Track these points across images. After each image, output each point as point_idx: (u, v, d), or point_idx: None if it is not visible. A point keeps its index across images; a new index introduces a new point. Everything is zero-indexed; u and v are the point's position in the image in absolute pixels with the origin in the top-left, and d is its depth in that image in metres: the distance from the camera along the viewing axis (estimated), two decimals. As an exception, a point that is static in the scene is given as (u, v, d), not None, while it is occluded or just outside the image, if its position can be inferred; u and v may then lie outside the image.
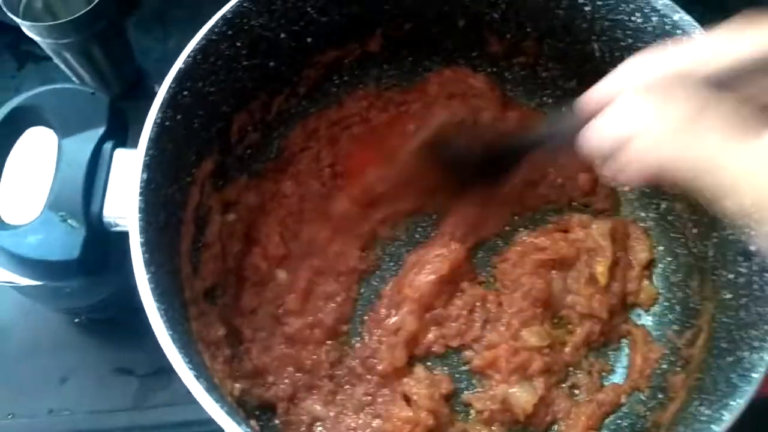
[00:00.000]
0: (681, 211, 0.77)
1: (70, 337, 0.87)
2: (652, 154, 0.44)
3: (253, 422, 0.66)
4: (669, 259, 0.79)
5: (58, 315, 0.87)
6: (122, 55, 0.97)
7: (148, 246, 0.57)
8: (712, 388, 0.61)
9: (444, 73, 0.85)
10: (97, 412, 0.82)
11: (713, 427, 0.55)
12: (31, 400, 0.83)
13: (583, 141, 0.49)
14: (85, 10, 0.82)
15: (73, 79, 0.96)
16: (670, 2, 0.66)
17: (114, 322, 0.86)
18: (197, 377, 0.52)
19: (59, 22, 0.82)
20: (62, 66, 0.93)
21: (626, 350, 0.77)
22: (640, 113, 0.45)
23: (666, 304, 0.78)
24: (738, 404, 0.55)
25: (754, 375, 0.56)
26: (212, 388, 0.54)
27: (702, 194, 0.41)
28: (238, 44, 0.69)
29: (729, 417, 0.55)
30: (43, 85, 0.67)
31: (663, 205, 0.80)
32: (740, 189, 0.39)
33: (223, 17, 0.66)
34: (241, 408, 0.66)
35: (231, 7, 0.66)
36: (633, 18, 0.68)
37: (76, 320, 0.88)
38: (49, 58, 0.92)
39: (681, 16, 0.66)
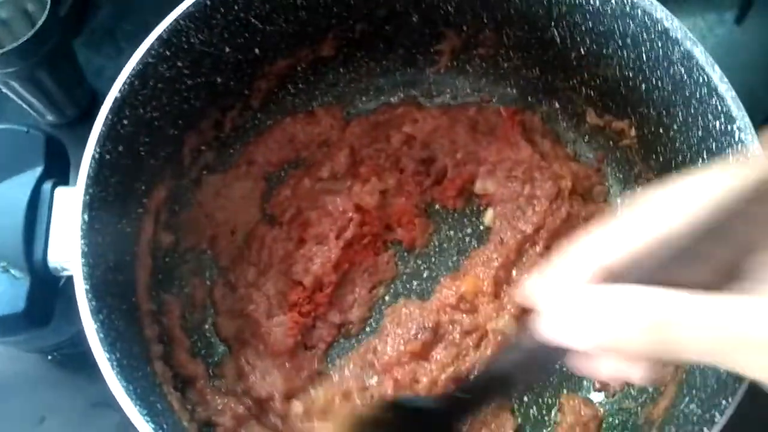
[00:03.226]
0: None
1: (44, 375, 0.84)
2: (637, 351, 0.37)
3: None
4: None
5: (29, 354, 0.84)
6: (72, 78, 0.93)
7: (96, 291, 0.54)
8: (702, 384, 0.59)
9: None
10: (78, 450, 0.80)
11: (705, 429, 0.53)
12: (10, 443, 0.81)
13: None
14: (27, 36, 0.79)
15: (24, 107, 0.92)
16: (629, -18, 0.63)
17: (89, 355, 0.83)
18: (156, 429, 0.49)
19: (2, 50, 0.79)
20: (11, 95, 0.90)
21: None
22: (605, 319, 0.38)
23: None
24: (729, 404, 0.53)
25: (743, 371, 0.53)
26: (175, 438, 0.51)
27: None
28: (179, 64, 0.66)
29: (720, 419, 0.52)
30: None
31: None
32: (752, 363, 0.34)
33: (159, 38, 0.62)
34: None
35: (167, 27, 0.62)
36: (591, 1, 0.65)
37: (50, 357, 0.85)
38: (-4, 88, 0.88)
39: (640, -4, 0.62)
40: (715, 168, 0.38)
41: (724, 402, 0.53)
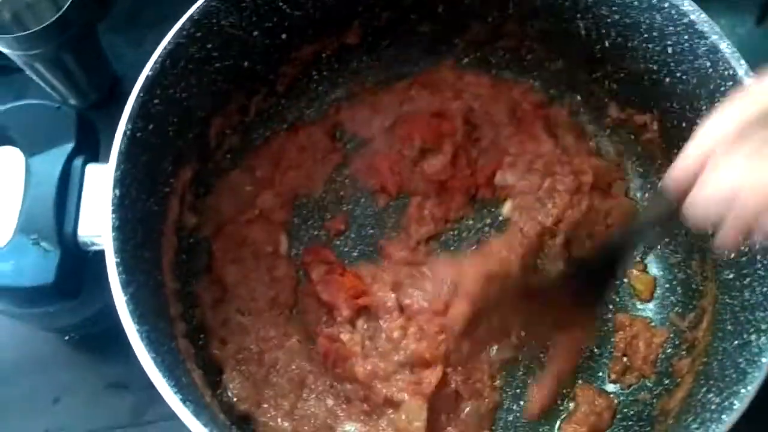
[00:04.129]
0: (677, 189, 0.75)
1: (60, 355, 0.85)
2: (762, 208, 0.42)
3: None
4: (666, 239, 0.77)
5: (47, 334, 0.85)
6: (95, 62, 0.94)
7: (126, 265, 0.54)
8: (720, 374, 0.60)
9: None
10: (92, 431, 0.80)
11: (723, 417, 0.53)
12: (24, 422, 0.82)
13: (689, 216, 0.48)
14: (53, 18, 0.80)
15: (47, 90, 0.93)
16: (657, -26, 0.64)
17: (105, 337, 0.84)
18: (183, 401, 0.50)
19: (27, 32, 0.79)
20: (35, 77, 0.90)
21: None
22: (737, 171, 0.43)
23: (667, 286, 0.76)
24: (748, 392, 0.53)
25: (763, 360, 0.54)
26: (200, 411, 0.52)
27: None
28: (209, 46, 0.66)
29: (739, 406, 0.53)
30: (14, 99, 0.65)
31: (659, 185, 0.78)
32: None
33: (191, 19, 0.63)
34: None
35: (198, 8, 0.63)
36: (618, -8, 0.66)
37: (66, 338, 0.85)
38: (21, 70, 0.89)
39: (669, -12, 0.63)
40: None
41: (743, 390, 0.54)
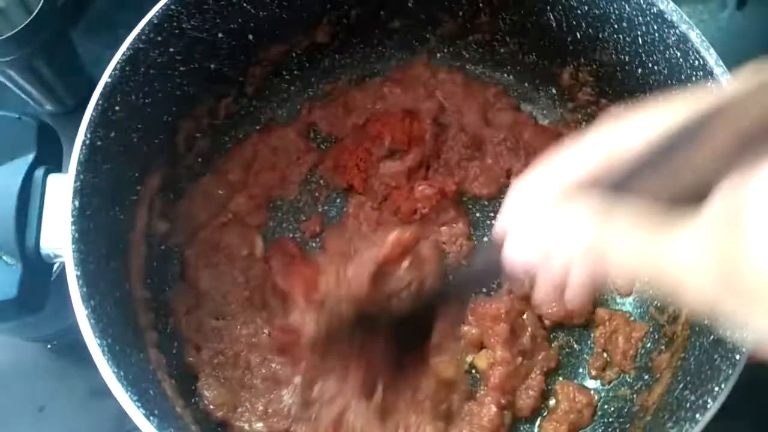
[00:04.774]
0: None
1: (44, 364, 0.85)
2: (582, 269, 0.40)
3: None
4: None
5: (30, 343, 0.85)
6: (70, 67, 0.93)
7: (87, 278, 0.54)
8: (696, 370, 0.59)
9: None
10: (77, 439, 0.80)
11: (697, 416, 0.52)
12: (9, 431, 0.81)
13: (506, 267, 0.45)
14: (25, 23, 0.79)
15: (23, 97, 0.92)
16: (623, -36, 0.62)
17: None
18: (147, 416, 0.50)
19: (-1, 39, 0.79)
20: (9, 84, 0.89)
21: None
22: (557, 230, 0.40)
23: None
24: (722, 389, 0.53)
25: (736, 356, 0.53)
26: (168, 423, 0.51)
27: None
28: (171, 49, 0.65)
29: (713, 404, 0.52)
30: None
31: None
32: (683, 286, 0.35)
33: (150, 23, 0.62)
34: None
35: (157, 12, 0.62)
36: (586, -16, 0.65)
37: (49, 346, 0.85)
38: (-6, 78, 0.88)
39: (634, -22, 0.62)
40: (675, 96, 0.38)
41: (716, 388, 0.53)
